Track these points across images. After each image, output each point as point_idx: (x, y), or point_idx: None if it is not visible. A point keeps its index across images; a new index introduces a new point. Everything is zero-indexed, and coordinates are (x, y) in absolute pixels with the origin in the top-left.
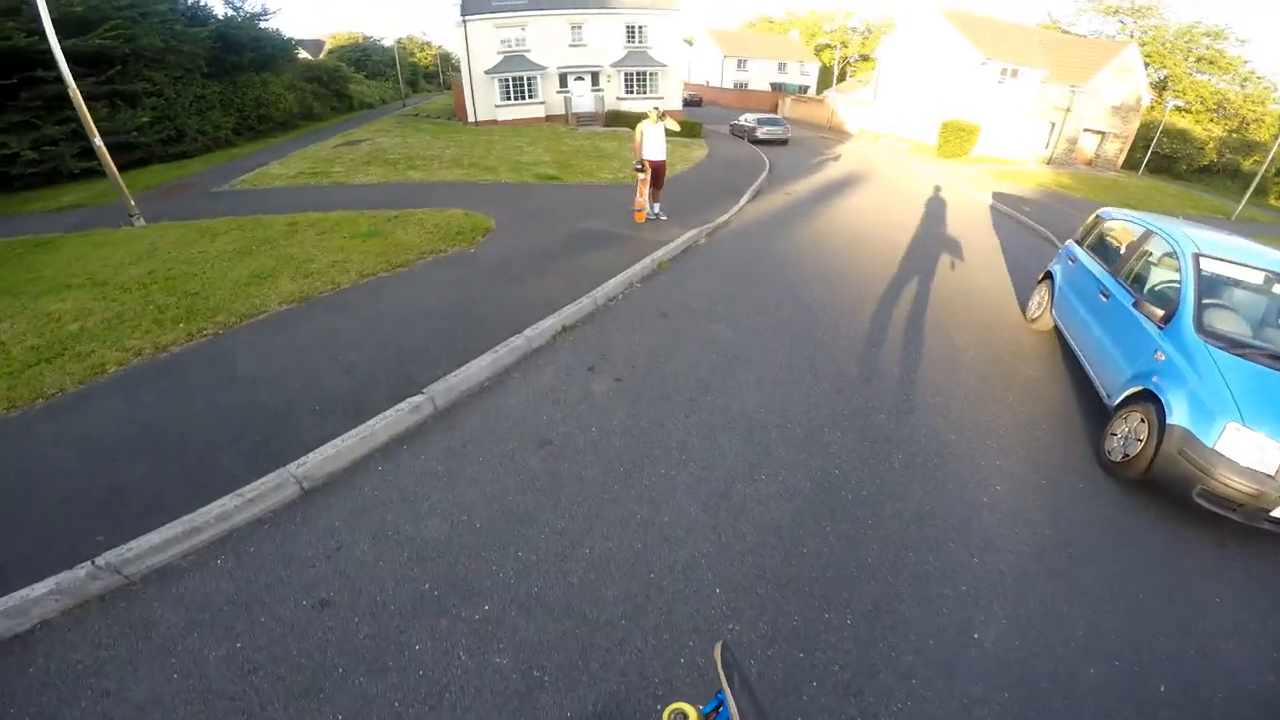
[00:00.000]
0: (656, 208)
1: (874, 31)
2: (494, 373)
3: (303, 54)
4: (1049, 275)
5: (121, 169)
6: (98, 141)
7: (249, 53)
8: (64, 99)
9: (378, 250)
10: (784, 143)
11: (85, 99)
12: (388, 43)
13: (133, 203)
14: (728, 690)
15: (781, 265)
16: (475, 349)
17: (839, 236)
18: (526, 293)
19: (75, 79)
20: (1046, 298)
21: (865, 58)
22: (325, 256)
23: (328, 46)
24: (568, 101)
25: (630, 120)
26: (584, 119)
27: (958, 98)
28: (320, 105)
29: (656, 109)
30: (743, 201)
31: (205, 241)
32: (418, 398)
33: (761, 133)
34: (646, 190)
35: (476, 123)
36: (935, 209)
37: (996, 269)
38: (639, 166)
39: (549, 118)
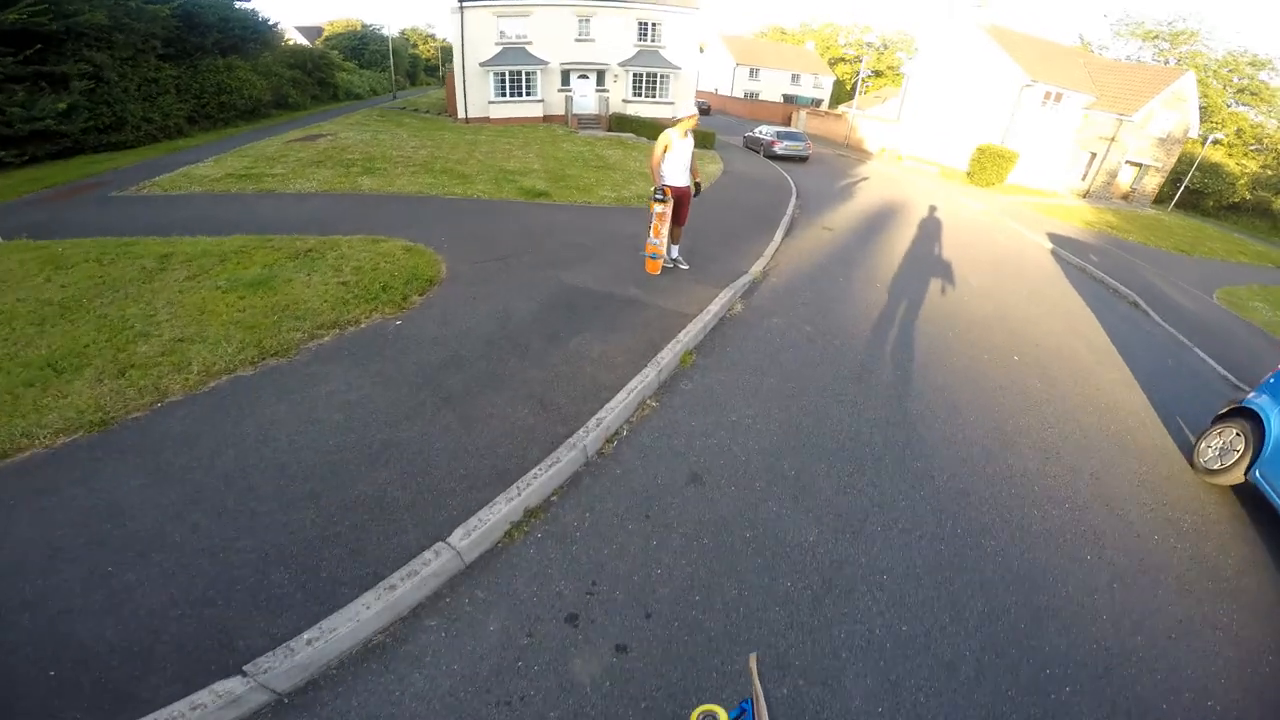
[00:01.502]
0: (675, 251)
1: (890, 47)
2: (390, 622)
3: (297, 39)
4: (1242, 413)
5: (38, 161)
6: None
7: (215, 33)
8: None
9: (253, 317)
10: (804, 159)
11: (3, 80)
12: (388, 31)
13: None
14: (756, 696)
15: (855, 359)
16: (356, 573)
17: (909, 299)
18: (466, 430)
19: None
20: (1243, 447)
21: (879, 73)
22: (172, 325)
23: (325, 34)
24: (569, 101)
25: (636, 126)
26: (586, 121)
27: (994, 121)
28: (298, 94)
29: (693, 115)
30: (776, 239)
31: (39, 279)
32: (234, 682)
33: (780, 148)
34: (665, 229)
35: (467, 120)
36: (998, 256)
37: (1112, 363)
38: (659, 196)
39: (547, 118)
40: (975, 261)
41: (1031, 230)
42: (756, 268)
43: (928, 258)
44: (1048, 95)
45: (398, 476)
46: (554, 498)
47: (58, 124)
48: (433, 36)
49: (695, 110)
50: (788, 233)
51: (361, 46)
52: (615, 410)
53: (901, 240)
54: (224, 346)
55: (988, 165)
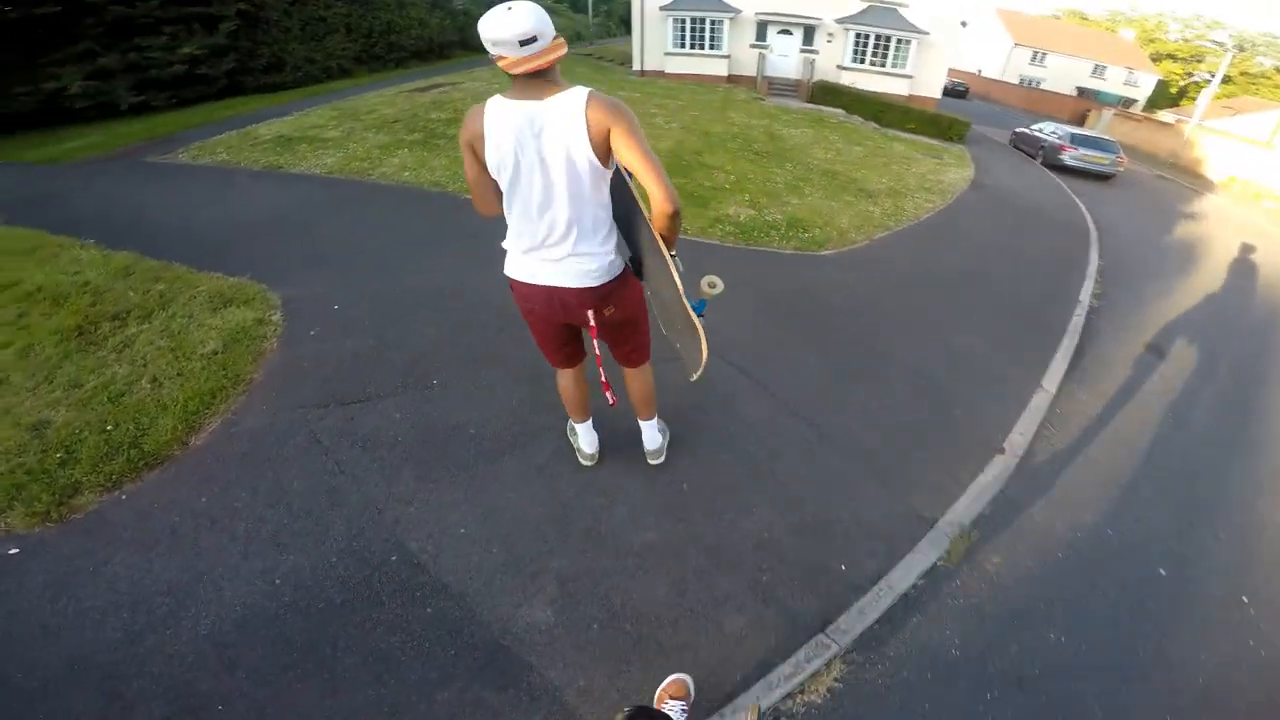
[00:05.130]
0: (650, 434)
1: (1248, 49)
2: None
3: None
4: None
5: (189, 103)
6: None
7: None
8: (128, 25)
9: None
10: (1107, 178)
11: (157, 22)
12: None
13: None
14: None
15: None
16: None
17: None
18: None
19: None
20: None
21: (1228, 79)
22: None
23: None
24: (761, 60)
25: (849, 100)
26: (780, 87)
27: None
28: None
29: (557, 44)
30: (1043, 399)
31: None
32: None
33: (1072, 157)
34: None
35: (642, 72)
36: None
37: None
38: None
39: (732, 78)
40: None
41: None
42: (954, 526)
43: None
44: None
45: None
46: None
47: (212, 68)
48: None
49: (538, 31)
50: (1075, 360)
51: None
52: None
53: None
54: None
55: None
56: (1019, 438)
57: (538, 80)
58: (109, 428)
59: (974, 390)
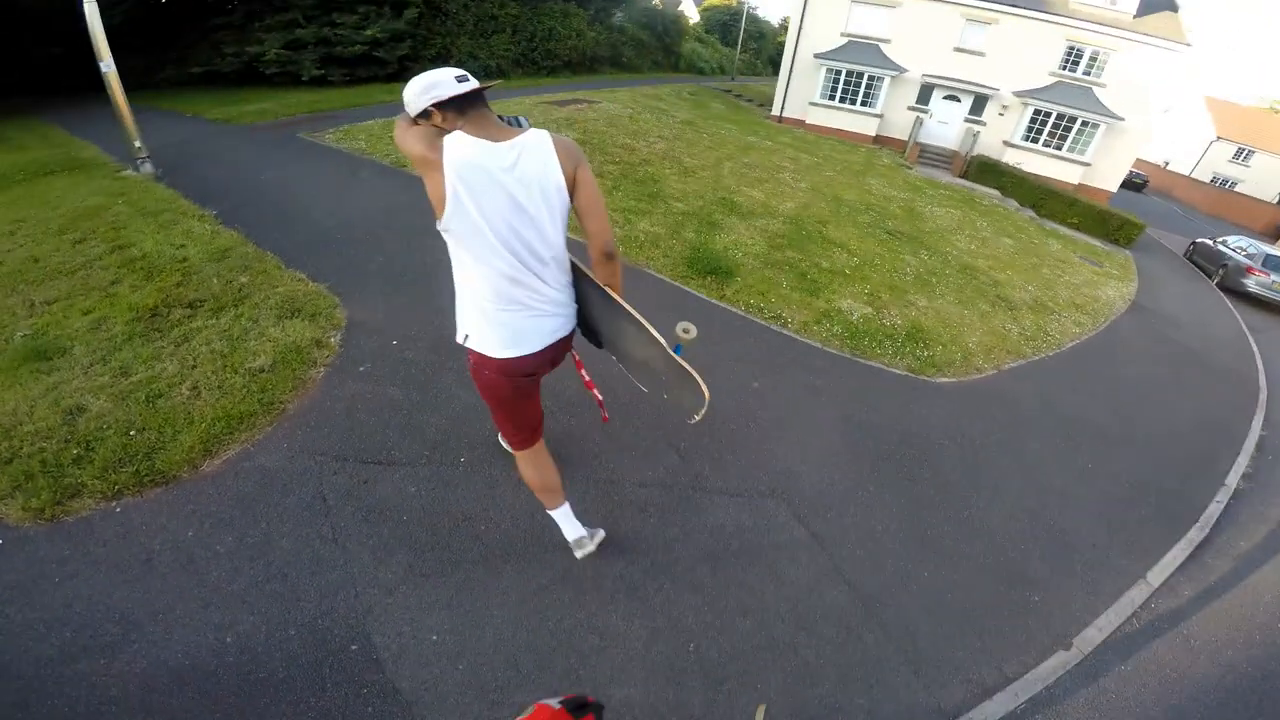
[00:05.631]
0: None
1: None
2: None
3: (689, 9)
4: None
5: (361, 82)
6: (104, 66)
7: None
8: (329, 3)
9: None
10: None
11: (357, 1)
12: (762, 13)
13: (137, 145)
14: None
15: None
16: None
17: None
18: None
19: None
20: None
21: None
22: None
23: (704, 4)
24: (917, 124)
25: (1010, 183)
26: (932, 156)
27: None
28: (636, 55)
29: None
30: (1151, 584)
31: None
32: None
33: (1259, 282)
34: None
35: (780, 118)
36: None
37: None
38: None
39: (879, 139)
40: None
41: None
42: None
43: None
44: None
45: None
46: None
47: (387, 52)
48: None
49: (465, 73)
50: (1195, 551)
51: (732, 23)
52: None
53: None
54: None
55: None
56: (1094, 633)
57: (490, 122)
58: (132, 431)
59: (1065, 575)
